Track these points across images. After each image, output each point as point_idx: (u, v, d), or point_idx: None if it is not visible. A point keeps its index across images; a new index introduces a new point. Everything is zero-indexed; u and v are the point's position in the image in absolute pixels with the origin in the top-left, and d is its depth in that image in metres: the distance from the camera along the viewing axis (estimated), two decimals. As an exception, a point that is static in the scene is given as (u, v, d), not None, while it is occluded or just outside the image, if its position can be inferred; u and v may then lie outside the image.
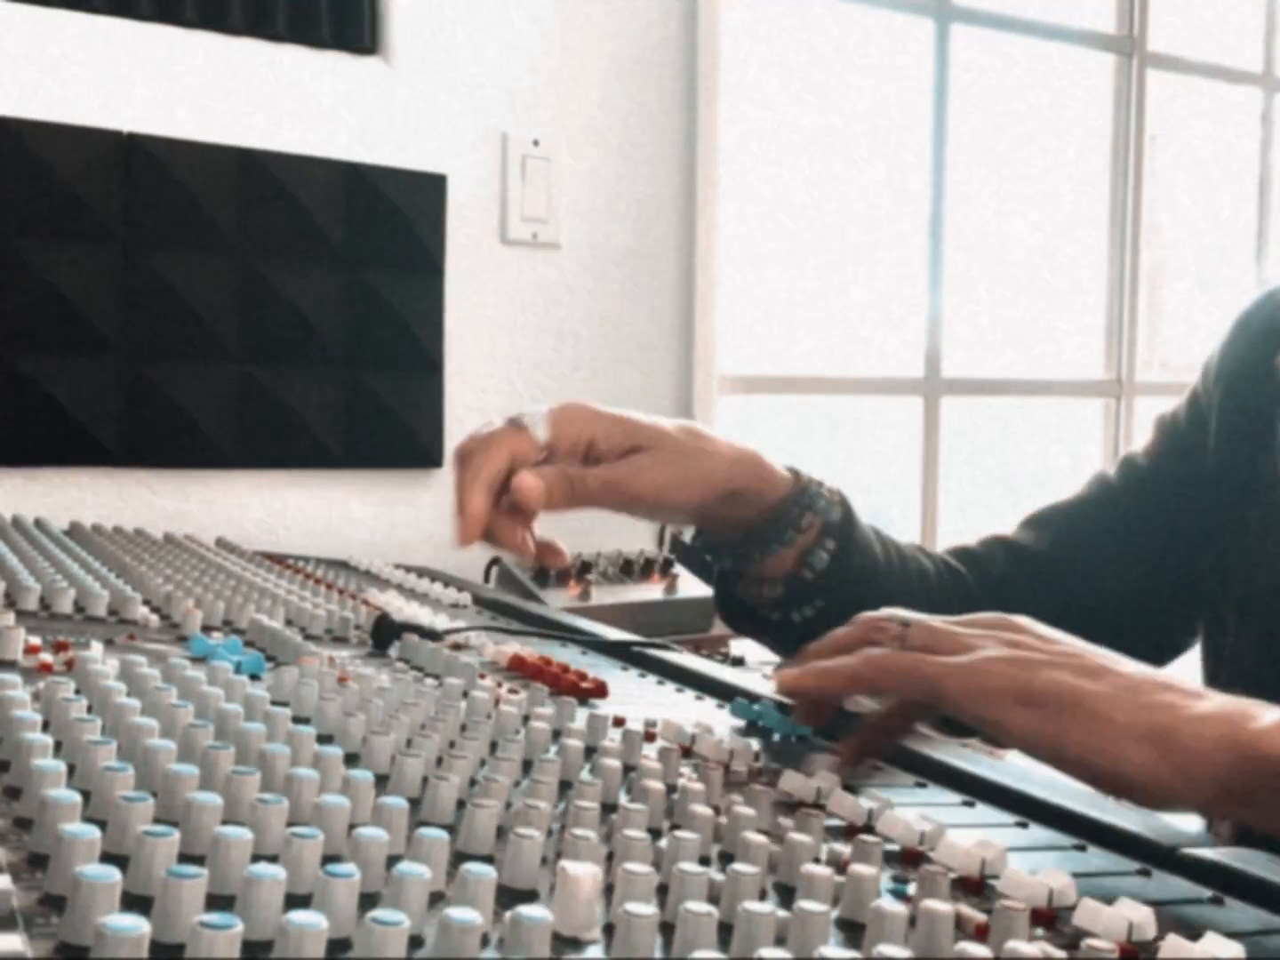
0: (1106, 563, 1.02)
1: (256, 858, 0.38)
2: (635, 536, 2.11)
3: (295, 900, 0.37)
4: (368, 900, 0.38)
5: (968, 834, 0.53)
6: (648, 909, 0.37)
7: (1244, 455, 0.96)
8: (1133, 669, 0.62)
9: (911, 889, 0.47)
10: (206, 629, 0.86)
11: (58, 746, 0.49)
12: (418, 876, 0.37)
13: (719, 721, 0.76)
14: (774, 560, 0.91)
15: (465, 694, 0.69)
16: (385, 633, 0.89)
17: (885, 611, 0.69)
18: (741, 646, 1.52)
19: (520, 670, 0.85)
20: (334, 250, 1.86)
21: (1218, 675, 0.97)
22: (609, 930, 0.39)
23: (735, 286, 2.42)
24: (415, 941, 0.36)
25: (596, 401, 0.84)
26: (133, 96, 1.72)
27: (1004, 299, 2.96)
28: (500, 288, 2.02)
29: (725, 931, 0.39)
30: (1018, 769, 0.68)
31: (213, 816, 0.41)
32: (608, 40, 2.10)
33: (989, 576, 1.04)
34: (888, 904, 0.41)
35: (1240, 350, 1.00)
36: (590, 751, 0.61)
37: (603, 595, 1.70)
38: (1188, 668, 0.98)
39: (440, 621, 0.98)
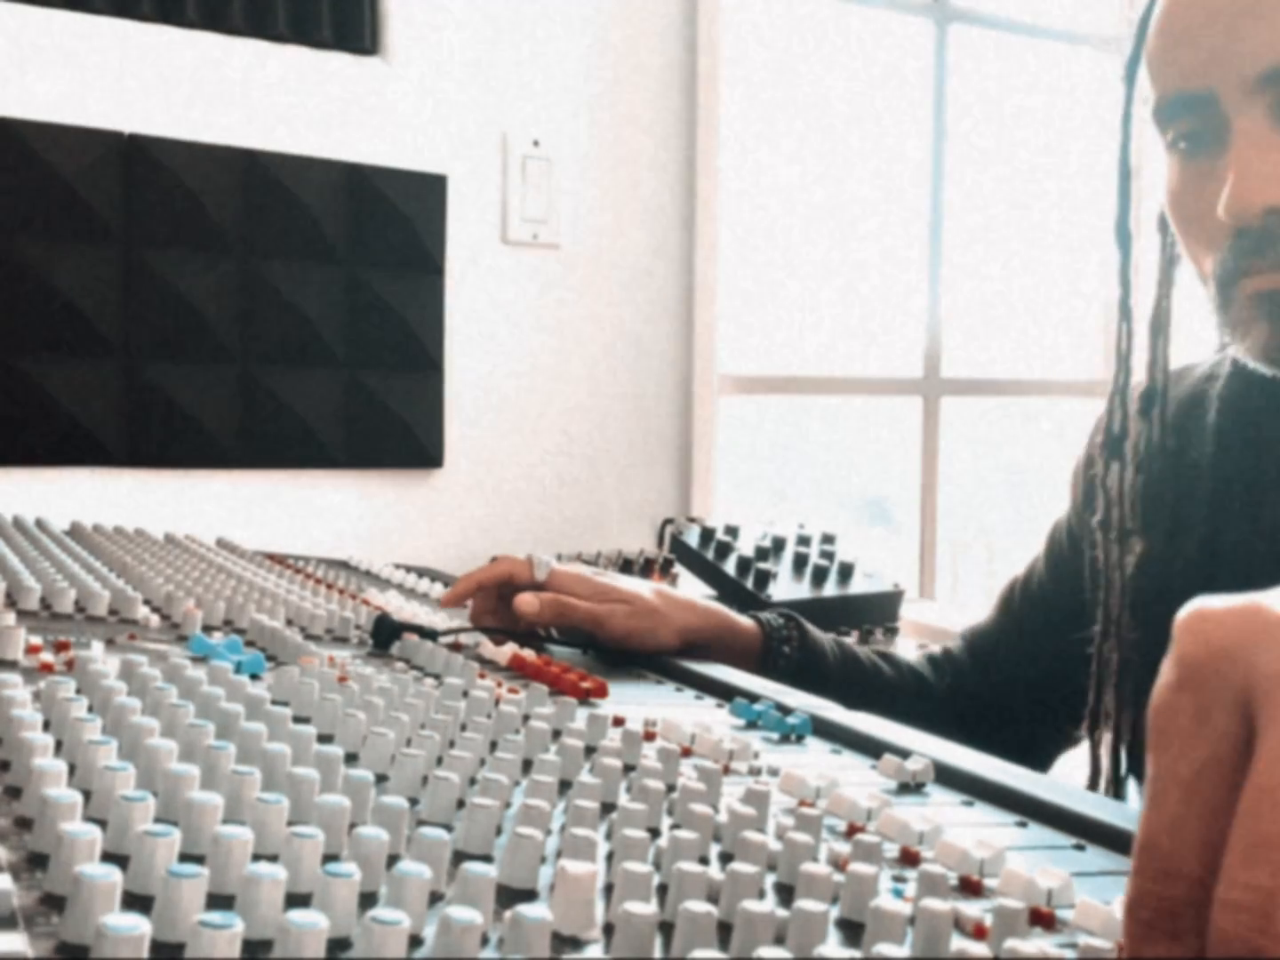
0: (1007, 680, 1.09)
1: (256, 857, 0.38)
2: (635, 536, 2.12)
3: (295, 900, 0.37)
4: (368, 900, 0.38)
5: (967, 833, 0.53)
6: (647, 908, 0.37)
7: None
8: None
9: (911, 888, 0.47)
10: (207, 629, 0.86)
11: (58, 746, 0.49)
12: (418, 876, 0.37)
13: (719, 721, 0.76)
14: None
15: (465, 694, 0.69)
16: (385, 633, 0.89)
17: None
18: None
19: (520, 670, 0.85)
20: (334, 250, 1.86)
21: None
22: (609, 930, 0.39)
23: (735, 286, 2.42)
24: (415, 941, 0.36)
25: (587, 570, 1.05)
26: (133, 96, 1.72)
27: (1004, 299, 2.96)
28: (500, 288, 2.02)
29: (725, 931, 0.39)
30: (1018, 769, 0.68)
31: (213, 816, 0.41)
32: (608, 40, 2.10)
33: (943, 681, 1.14)
34: (887, 903, 0.41)
35: (1091, 459, 1.02)
36: (590, 751, 0.61)
37: (603, 595, 1.70)
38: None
39: (440, 621, 0.98)
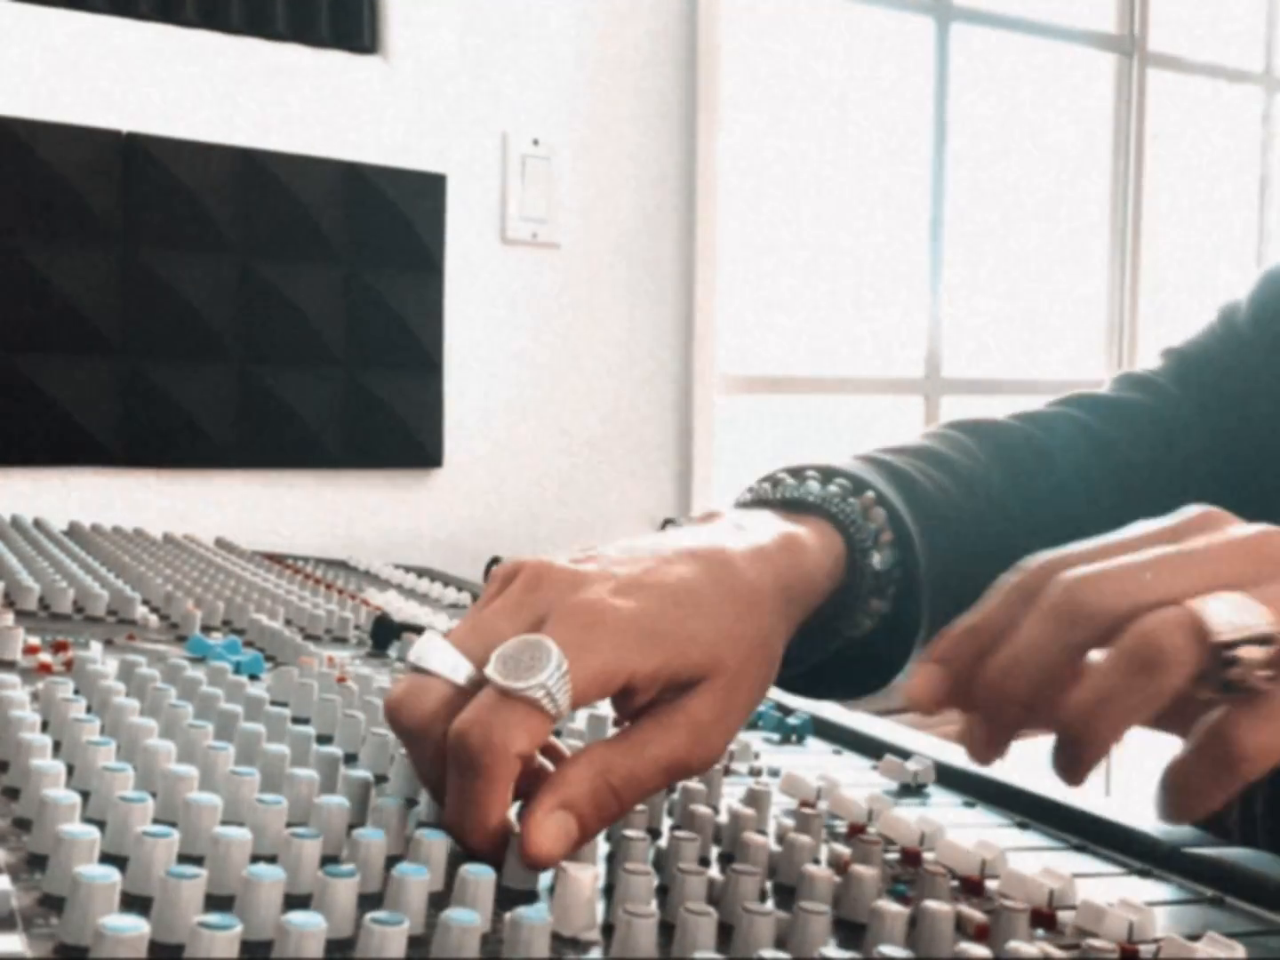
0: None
1: (256, 858, 0.38)
2: (637, 533, 2.11)
3: (295, 900, 0.37)
4: (368, 900, 0.38)
5: (968, 834, 0.52)
6: (648, 909, 0.37)
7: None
8: None
9: (911, 889, 0.47)
10: (206, 629, 0.86)
11: (57, 746, 0.49)
12: (418, 877, 0.37)
13: (719, 721, 0.76)
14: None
15: (465, 694, 0.68)
16: (385, 633, 0.89)
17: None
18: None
19: (520, 670, 0.85)
20: (334, 250, 1.86)
21: None
22: (609, 930, 0.39)
23: (735, 287, 2.42)
24: (415, 941, 0.36)
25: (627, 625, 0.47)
26: (133, 96, 1.72)
27: (1004, 299, 2.96)
28: (500, 288, 2.02)
29: (725, 932, 0.39)
30: (1017, 769, 0.68)
31: (212, 816, 0.41)
32: (608, 40, 2.10)
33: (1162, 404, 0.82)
34: (888, 904, 0.41)
35: (1271, 297, 0.82)
36: (590, 751, 0.61)
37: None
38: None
39: (440, 621, 0.98)
